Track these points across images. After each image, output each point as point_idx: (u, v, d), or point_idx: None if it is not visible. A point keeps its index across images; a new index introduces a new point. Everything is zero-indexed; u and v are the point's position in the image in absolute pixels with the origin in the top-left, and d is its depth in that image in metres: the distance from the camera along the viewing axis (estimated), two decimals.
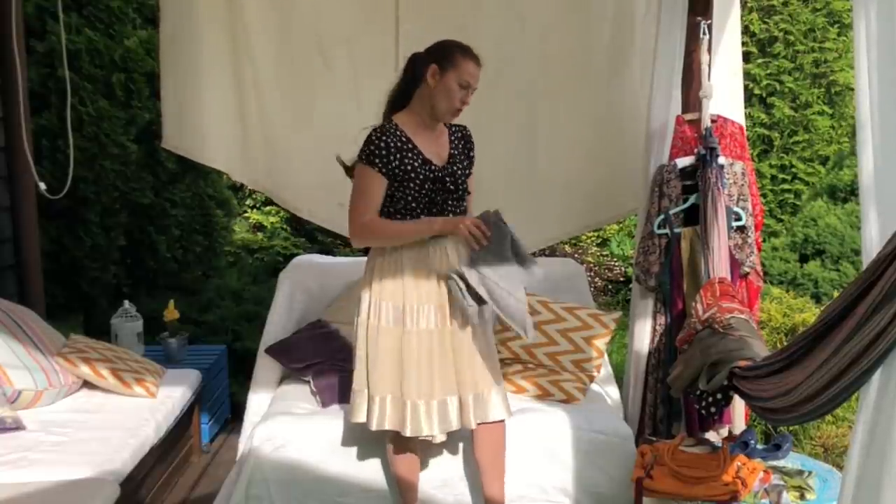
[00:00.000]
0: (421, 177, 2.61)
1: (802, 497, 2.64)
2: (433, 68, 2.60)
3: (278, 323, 3.68)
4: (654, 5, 3.47)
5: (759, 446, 2.71)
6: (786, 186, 6.50)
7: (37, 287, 4.07)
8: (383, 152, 2.58)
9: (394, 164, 2.58)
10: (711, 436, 3.20)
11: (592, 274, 6.42)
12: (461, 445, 3.00)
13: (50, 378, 3.20)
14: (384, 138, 2.59)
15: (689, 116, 3.35)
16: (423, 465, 2.93)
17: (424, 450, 2.88)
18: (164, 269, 5.58)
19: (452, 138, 2.75)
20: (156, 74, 3.93)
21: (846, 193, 5.45)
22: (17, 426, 2.93)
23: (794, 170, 6.48)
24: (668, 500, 2.64)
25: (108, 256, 5.21)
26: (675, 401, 3.28)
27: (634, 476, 2.70)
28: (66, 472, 2.60)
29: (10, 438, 2.86)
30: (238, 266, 6.45)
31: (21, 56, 3.79)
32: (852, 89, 6.49)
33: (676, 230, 3.29)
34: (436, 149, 2.68)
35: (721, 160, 3.21)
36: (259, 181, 4.07)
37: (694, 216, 3.26)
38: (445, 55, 2.61)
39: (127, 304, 4.04)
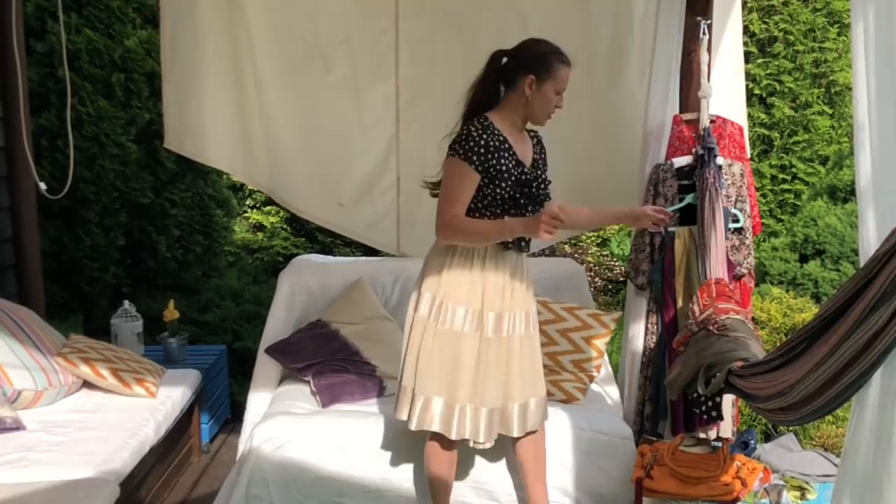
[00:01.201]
0: (513, 178, 2.60)
1: (803, 496, 2.64)
2: (530, 79, 2.58)
3: (278, 323, 3.68)
4: (654, 5, 3.47)
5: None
6: (786, 186, 6.50)
7: (37, 287, 4.06)
8: (482, 150, 2.55)
9: (491, 163, 2.56)
10: (699, 434, 3.21)
11: (592, 274, 6.42)
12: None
13: (50, 378, 3.20)
14: (484, 136, 2.57)
15: (686, 116, 3.35)
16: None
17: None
18: (164, 269, 5.58)
19: (534, 143, 2.76)
20: (156, 74, 3.94)
21: (846, 193, 5.45)
22: (17, 426, 2.93)
23: (794, 170, 6.47)
24: (668, 500, 2.64)
25: (108, 256, 5.21)
26: (661, 399, 3.28)
27: (634, 476, 2.70)
28: (66, 472, 2.60)
29: (10, 438, 2.86)
30: (238, 266, 6.45)
31: (21, 56, 3.79)
32: (852, 89, 6.49)
33: (671, 229, 3.29)
34: (524, 152, 2.69)
35: (719, 161, 3.21)
36: (260, 181, 4.07)
37: (690, 216, 3.26)
38: (542, 64, 2.59)
39: (127, 304, 4.03)
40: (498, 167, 2.56)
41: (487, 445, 2.68)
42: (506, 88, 2.65)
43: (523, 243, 2.70)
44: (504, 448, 2.95)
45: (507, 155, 2.59)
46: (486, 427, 2.63)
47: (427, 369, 2.62)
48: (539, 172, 2.71)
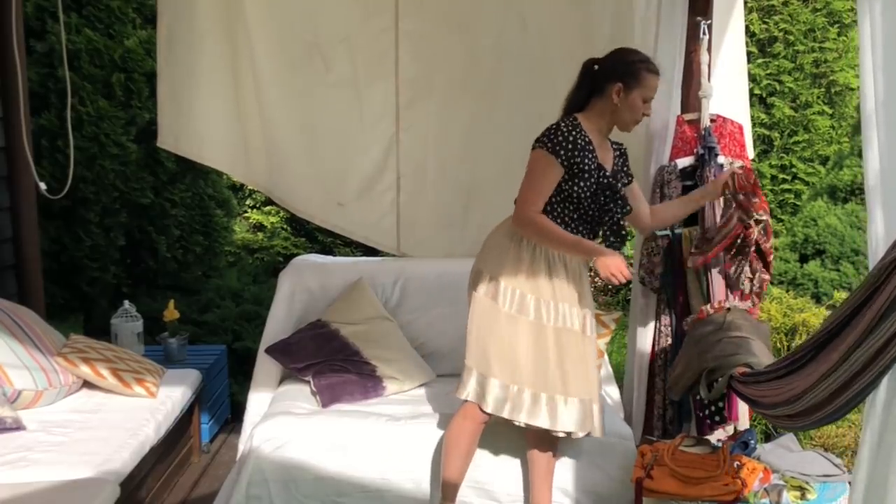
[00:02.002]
0: (594, 178, 2.65)
1: (803, 496, 2.64)
2: (618, 87, 2.66)
3: (278, 323, 3.68)
4: (654, 5, 3.46)
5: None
6: (786, 186, 6.50)
7: (37, 287, 4.06)
8: (570, 145, 2.62)
9: (575, 160, 2.62)
10: (720, 435, 3.20)
11: (592, 274, 6.41)
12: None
13: (50, 378, 3.20)
14: (573, 132, 2.64)
15: (688, 116, 3.35)
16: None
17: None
18: (164, 269, 5.58)
19: (615, 154, 2.81)
20: (156, 74, 3.94)
21: (846, 193, 5.45)
22: (17, 426, 2.93)
23: (794, 170, 6.48)
24: (668, 500, 2.64)
25: (108, 256, 5.21)
26: (684, 402, 3.28)
27: (634, 476, 2.69)
28: (66, 472, 2.60)
29: (10, 438, 2.85)
30: (238, 266, 6.45)
31: (21, 56, 3.79)
32: (852, 89, 6.50)
33: (677, 231, 3.28)
34: (605, 159, 2.74)
35: (721, 159, 3.21)
36: (258, 181, 4.06)
37: (694, 216, 3.26)
38: (631, 72, 2.66)
39: (127, 304, 4.03)
40: (581, 165, 2.62)
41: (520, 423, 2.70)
42: (594, 95, 2.72)
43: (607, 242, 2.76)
44: (504, 448, 2.95)
45: (590, 156, 2.65)
46: (544, 411, 2.67)
47: (486, 349, 2.68)
48: (618, 181, 2.75)
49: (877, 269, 1.45)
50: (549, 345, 2.68)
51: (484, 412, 2.69)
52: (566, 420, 2.69)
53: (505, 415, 2.67)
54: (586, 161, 2.63)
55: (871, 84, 1.50)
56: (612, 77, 2.67)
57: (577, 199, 2.65)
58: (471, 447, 2.79)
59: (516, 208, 2.68)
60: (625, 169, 2.84)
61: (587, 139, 2.66)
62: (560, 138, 2.62)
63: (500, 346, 2.68)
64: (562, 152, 2.61)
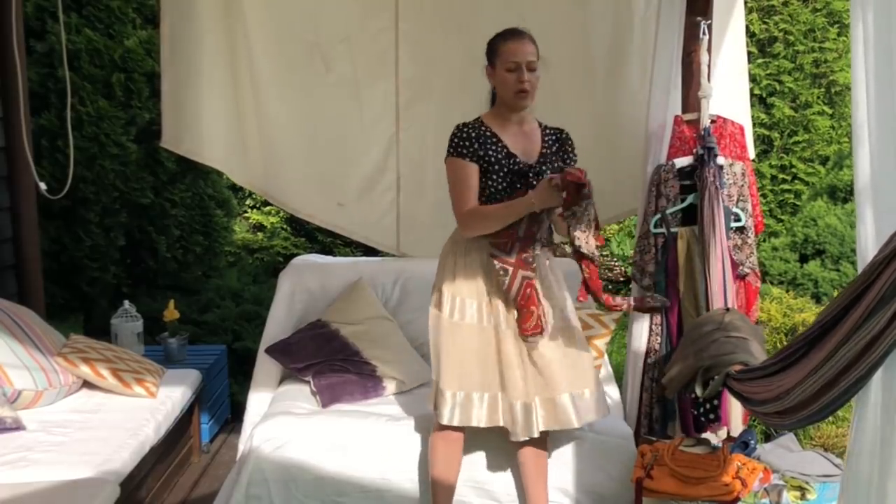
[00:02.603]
0: (505, 169, 2.64)
1: (803, 496, 2.64)
2: (487, 68, 2.69)
3: (278, 323, 3.68)
4: (654, 5, 3.47)
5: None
6: (786, 186, 6.50)
7: (37, 287, 4.06)
8: (466, 142, 2.63)
9: (480, 153, 2.62)
10: (711, 437, 3.20)
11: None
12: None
13: (50, 378, 3.20)
14: (465, 129, 2.65)
15: (687, 116, 3.35)
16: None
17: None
18: (164, 269, 5.58)
19: (547, 139, 2.76)
20: (156, 74, 3.95)
21: (846, 193, 5.45)
22: (17, 426, 2.93)
23: (794, 170, 6.47)
24: (668, 500, 2.64)
25: (108, 256, 5.21)
26: (669, 401, 3.28)
27: (634, 476, 2.70)
28: (66, 472, 2.60)
29: (10, 438, 2.86)
30: (238, 266, 6.45)
31: (21, 56, 3.79)
32: (851, 89, 6.49)
33: (673, 230, 3.29)
34: (524, 145, 2.70)
35: (720, 160, 3.21)
36: (257, 182, 4.06)
37: (692, 216, 3.26)
38: (490, 49, 2.68)
39: (127, 304, 4.03)
40: (487, 157, 2.62)
41: (520, 437, 2.66)
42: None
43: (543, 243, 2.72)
44: (504, 448, 2.95)
45: (494, 147, 2.64)
46: (505, 417, 2.65)
47: (447, 364, 2.67)
48: (544, 167, 2.69)
49: (869, 266, 1.46)
50: (493, 348, 2.67)
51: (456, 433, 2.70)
52: (528, 424, 2.65)
53: (456, 422, 2.66)
54: (490, 152, 2.62)
55: (863, 87, 1.51)
56: (486, 64, 2.68)
57: (495, 192, 2.64)
58: (447, 459, 2.78)
59: (456, 219, 2.68)
60: (561, 154, 2.77)
61: (488, 133, 2.65)
62: (457, 140, 2.64)
63: (448, 355, 2.68)
64: (464, 151, 2.62)
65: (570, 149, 2.80)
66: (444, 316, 2.69)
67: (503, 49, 2.63)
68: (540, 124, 2.78)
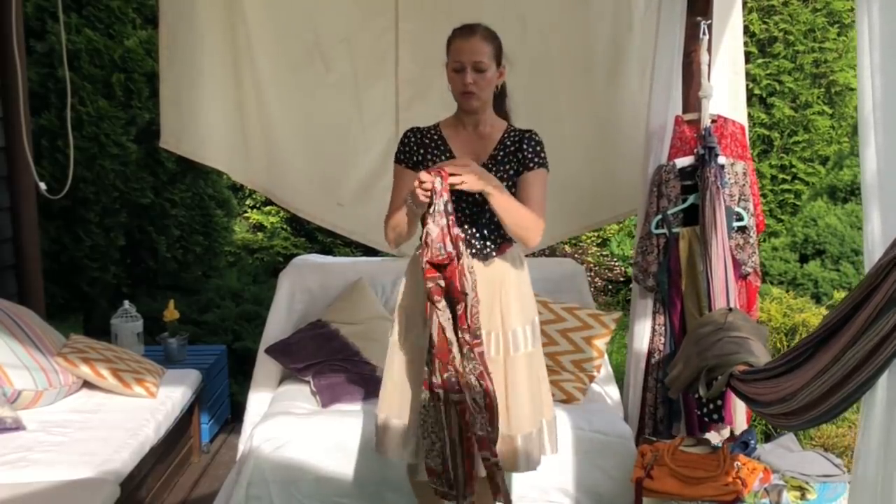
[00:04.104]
0: None
1: (803, 497, 2.64)
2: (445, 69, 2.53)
3: (278, 323, 3.68)
4: (654, 5, 3.46)
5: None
6: (786, 186, 6.50)
7: (37, 287, 4.06)
8: (406, 148, 2.56)
9: (415, 159, 2.54)
10: (712, 436, 3.20)
11: (592, 274, 6.42)
12: None
13: (50, 378, 3.20)
14: (410, 135, 2.57)
15: (688, 116, 3.35)
16: None
17: None
18: (164, 269, 5.58)
19: (506, 141, 2.54)
20: (156, 74, 3.94)
21: (846, 193, 5.45)
22: (17, 426, 2.93)
23: (794, 170, 6.48)
24: (668, 500, 2.64)
25: (108, 256, 5.21)
26: (674, 401, 3.28)
27: (634, 476, 2.70)
28: (66, 472, 2.60)
29: (10, 438, 2.86)
30: (238, 266, 6.45)
31: (21, 56, 3.79)
32: (852, 89, 6.50)
33: (674, 230, 3.28)
34: (475, 149, 2.54)
35: (721, 160, 3.21)
36: (257, 181, 4.06)
37: (694, 216, 3.26)
38: (446, 51, 2.51)
39: (127, 304, 4.03)
40: (426, 164, 2.50)
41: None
42: None
43: (474, 251, 2.50)
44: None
45: (437, 152, 2.53)
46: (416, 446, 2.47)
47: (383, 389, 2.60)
48: (489, 169, 2.45)
49: (875, 268, 1.46)
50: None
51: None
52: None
53: (391, 455, 2.53)
54: (429, 159, 2.51)
55: (868, 85, 1.50)
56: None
57: None
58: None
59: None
60: (519, 156, 2.51)
61: (436, 138, 2.53)
62: (400, 146, 2.57)
63: (385, 381, 2.60)
64: (401, 157, 2.55)
65: (528, 150, 2.52)
66: (391, 337, 2.60)
67: (451, 47, 2.47)
68: (508, 126, 2.59)
